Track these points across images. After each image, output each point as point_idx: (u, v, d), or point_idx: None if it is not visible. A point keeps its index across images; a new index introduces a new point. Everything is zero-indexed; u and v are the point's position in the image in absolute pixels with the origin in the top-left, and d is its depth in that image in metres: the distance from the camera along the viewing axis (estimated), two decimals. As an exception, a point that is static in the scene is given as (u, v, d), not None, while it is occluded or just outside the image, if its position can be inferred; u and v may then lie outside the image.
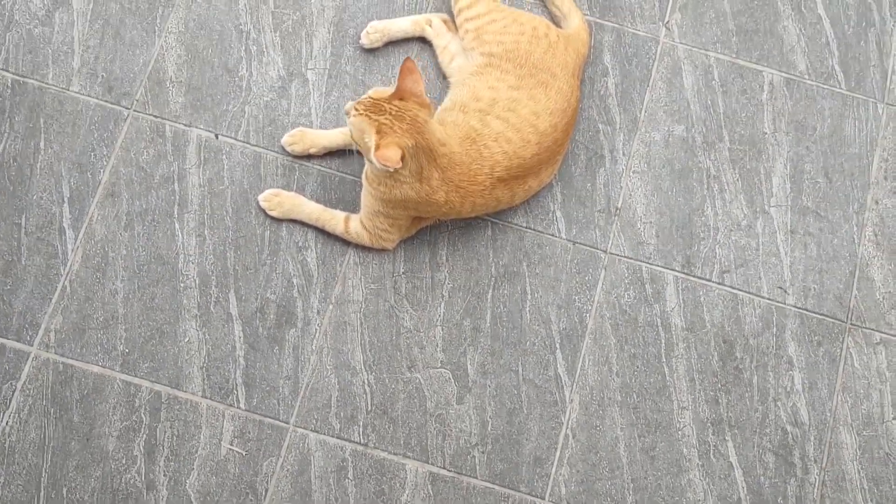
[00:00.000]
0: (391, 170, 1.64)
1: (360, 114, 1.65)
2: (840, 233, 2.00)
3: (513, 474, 1.81)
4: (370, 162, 1.67)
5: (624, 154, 2.02)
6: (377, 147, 1.62)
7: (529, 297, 1.91)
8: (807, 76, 2.10)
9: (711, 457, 1.85)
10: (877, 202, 2.03)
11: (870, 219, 2.02)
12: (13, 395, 1.78)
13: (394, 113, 1.63)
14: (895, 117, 2.09)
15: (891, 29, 2.15)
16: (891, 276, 1.98)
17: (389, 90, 1.68)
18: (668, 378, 1.89)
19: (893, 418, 1.90)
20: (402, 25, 2.02)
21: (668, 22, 2.12)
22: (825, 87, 2.10)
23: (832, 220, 2.01)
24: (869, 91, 2.10)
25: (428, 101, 1.69)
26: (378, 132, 1.63)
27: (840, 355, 1.92)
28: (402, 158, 1.64)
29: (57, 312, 1.83)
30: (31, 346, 1.81)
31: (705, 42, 2.11)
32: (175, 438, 1.78)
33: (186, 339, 1.84)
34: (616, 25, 2.10)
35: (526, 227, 1.96)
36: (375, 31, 2.00)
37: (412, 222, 1.88)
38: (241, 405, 1.81)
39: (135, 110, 1.96)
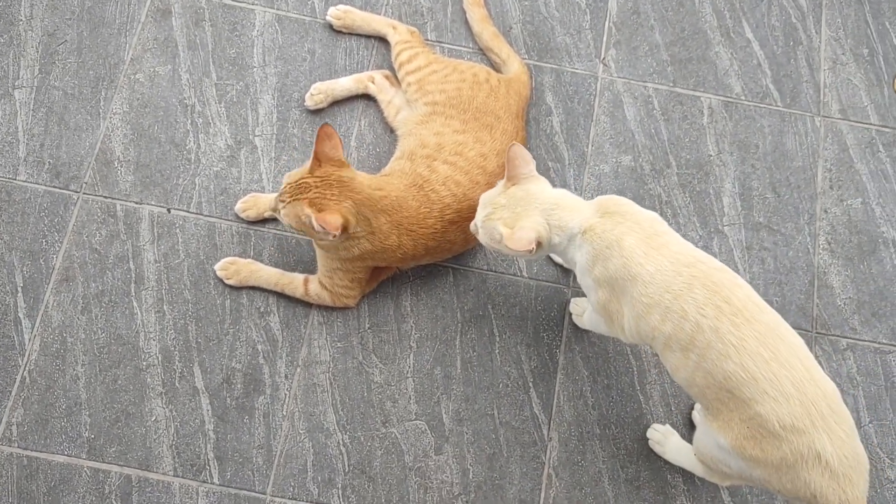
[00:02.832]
0: (337, 234, 1.63)
1: (288, 202, 1.66)
2: (794, 244, 2.04)
3: (499, 521, 1.78)
4: (319, 237, 1.66)
5: (576, 188, 2.04)
6: (319, 213, 1.61)
7: (498, 338, 1.91)
8: (743, 97, 2.16)
9: (696, 480, 1.83)
10: (826, 211, 2.07)
11: (821, 228, 2.06)
12: (-24, 495, 1.72)
13: (318, 185, 1.64)
14: (833, 129, 2.15)
15: (818, 45, 2.22)
16: (849, 282, 2.01)
17: (303, 169, 1.68)
18: (644, 405, 1.88)
19: (870, 422, 1.90)
20: (346, 84, 2.04)
21: (604, 58, 2.18)
22: (762, 105, 2.16)
23: (785, 232, 2.04)
24: (805, 106, 2.16)
25: (346, 162, 1.69)
26: (311, 205, 1.63)
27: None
28: (346, 222, 1.64)
29: (17, 405, 1.79)
30: (-7, 442, 1.76)
31: (642, 74, 2.17)
32: (149, 522, 1.73)
33: (153, 418, 1.80)
34: (554, 66, 2.15)
35: (487, 270, 1.96)
36: (319, 91, 2.03)
37: (371, 275, 1.88)
38: (215, 480, 1.77)
39: (84, 193, 1.95)
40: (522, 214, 1.58)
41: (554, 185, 2.02)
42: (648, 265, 1.48)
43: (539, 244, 1.58)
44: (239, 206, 1.94)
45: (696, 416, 1.81)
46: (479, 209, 1.66)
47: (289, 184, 1.67)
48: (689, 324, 1.44)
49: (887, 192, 2.10)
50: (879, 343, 1.96)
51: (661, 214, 2.02)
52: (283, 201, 1.67)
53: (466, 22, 2.16)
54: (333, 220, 1.62)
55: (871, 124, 2.16)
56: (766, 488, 1.49)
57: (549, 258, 1.95)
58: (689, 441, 1.76)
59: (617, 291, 1.53)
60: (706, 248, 2.01)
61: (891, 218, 2.07)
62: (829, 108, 2.17)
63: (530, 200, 1.59)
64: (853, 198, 2.09)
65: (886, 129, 2.16)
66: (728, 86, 2.17)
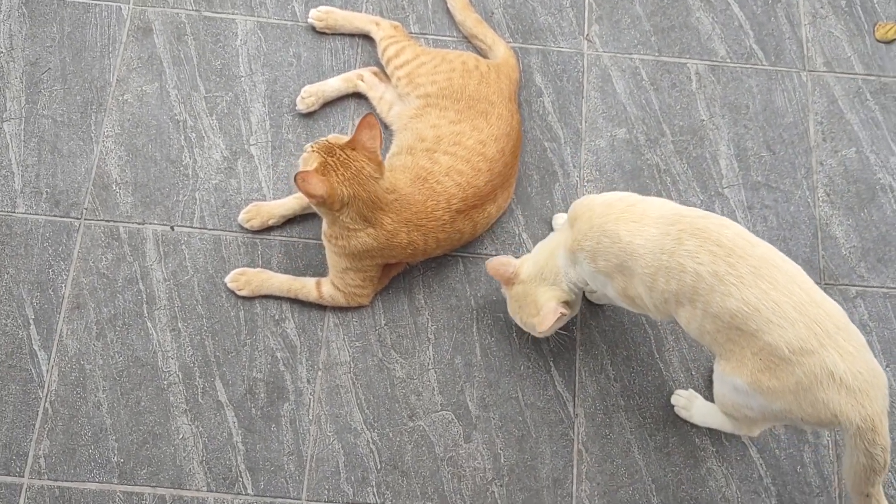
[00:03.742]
0: (312, 201, 1.64)
1: (313, 150, 1.67)
2: (794, 199, 2.06)
3: (535, 501, 1.79)
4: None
5: (574, 166, 2.06)
6: (304, 174, 1.61)
7: (513, 321, 1.91)
8: (729, 60, 2.18)
9: (724, 441, 1.85)
10: (821, 164, 2.10)
11: (819, 181, 2.08)
12: (12, 531, 1.72)
13: (342, 159, 1.65)
14: (819, 82, 2.17)
15: (796, 1, 2.24)
16: (852, 231, 2.04)
17: (345, 138, 1.70)
18: (664, 373, 1.89)
19: (887, 366, 1.93)
20: (335, 84, 2.04)
21: (588, 35, 2.19)
22: (748, 66, 2.18)
23: (784, 189, 2.07)
24: (790, 62, 2.18)
25: (380, 160, 1.70)
26: (320, 167, 1.64)
27: (823, 316, 1.95)
28: (331, 200, 1.64)
29: (43, 437, 1.78)
30: (23, 476, 1.75)
31: (627, 46, 2.18)
32: (188, 540, 1.73)
33: (181, 436, 1.79)
34: (540, 47, 2.16)
35: (497, 255, 1.97)
36: (310, 94, 2.02)
37: (383, 273, 1.88)
38: (249, 491, 1.77)
39: (85, 219, 1.94)
40: (533, 299, 1.70)
41: (552, 167, 2.04)
42: (637, 238, 1.53)
43: (566, 303, 1.69)
44: (242, 216, 1.93)
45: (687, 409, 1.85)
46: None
47: (327, 140, 1.69)
48: (688, 276, 1.48)
49: (879, 139, 2.12)
50: (888, 287, 1.99)
51: (660, 182, 2.04)
52: (312, 147, 1.68)
53: (448, 11, 2.16)
54: (317, 186, 1.62)
55: (856, 74, 2.18)
56: (792, 423, 1.52)
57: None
58: (712, 401, 1.78)
59: (626, 275, 1.56)
60: (708, 211, 2.02)
61: (886, 164, 2.10)
62: (814, 63, 2.19)
63: (528, 285, 1.71)
64: (847, 148, 2.11)
65: (872, 78, 2.18)
66: (712, 50, 2.19)
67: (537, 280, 1.70)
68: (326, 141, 1.69)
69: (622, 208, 1.57)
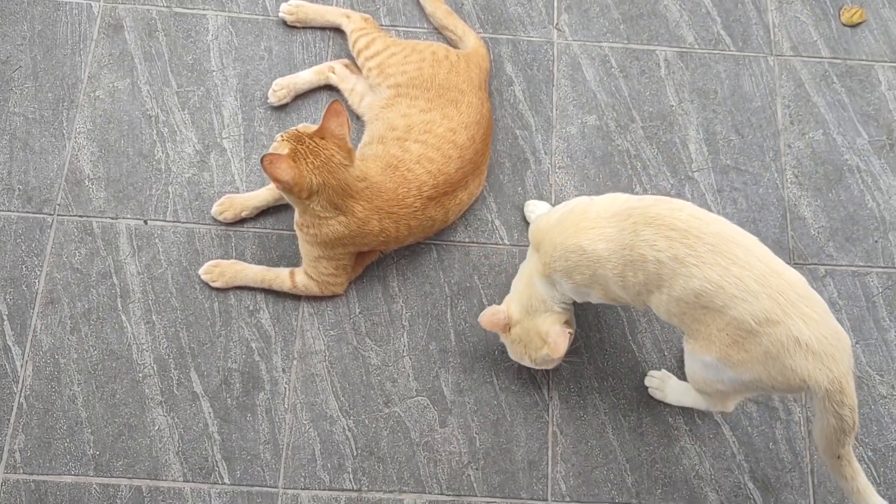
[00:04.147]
0: (281, 186, 1.65)
1: (283, 140, 1.68)
2: (763, 182, 2.08)
3: (511, 483, 1.80)
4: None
5: (546, 153, 2.07)
6: (272, 158, 1.62)
7: (487, 307, 1.93)
8: (697, 46, 2.21)
9: (697, 419, 1.87)
10: (789, 146, 2.12)
11: (787, 163, 2.11)
12: (-12, 526, 1.71)
13: (311, 147, 1.66)
14: (786, 66, 2.20)
15: (761, -13, 2.27)
16: (820, 211, 2.06)
17: (314, 127, 1.71)
18: (637, 354, 1.91)
19: (856, 343, 1.95)
20: (307, 77, 2.05)
21: (557, 24, 2.21)
22: (716, 52, 2.20)
23: (753, 171, 2.09)
24: (757, 47, 2.21)
25: (350, 147, 1.71)
26: (290, 155, 1.65)
27: (793, 296, 1.98)
28: (298, 187, 1.65)
29: (18, 431, 1.78)
30: (-2, 471, 1.75)
31: (596, 35, 2.20)
32: (165, 530, 1.73)
33: (156, 428, 1.80)
34: (510, 37, 2.18)
35: (469, 242, 1.99)
36: (281, 87, 2.04)
37: (356, 261, 1.89)
38: (226, 480, 1.77)
39: (58, 215, 1.94)
40: (535, 333, 1.70)
41: (524, 155, 2.05)
42: (598, 244, 1.55)
43: (566, 323, 1.70)
44: (215, 208, 1.94)
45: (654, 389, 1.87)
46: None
47: (297, 129, 1.70)
48: (650, 264, 1.50)
49: (846, 120, 2.15)
50: (856, 266, 2.01)
51: (630, 168, 2.06)
52: (282, 136, 1.69)
53: (418, 3, 2.18)
54: (284, 171, 1.63)
55: (822, 58, 2.21)
56: (763, 392, 1.55)
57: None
58: (685, 381, 1.80)
59: (601, 281, 1.59)
60: (679, 196, 2.04)
61: (852, 145, 2.13)
62: (780, 47, 2.21)
63: (524, 323, 1.70)
64: (814, 130, 2.14)
65: (838, 61, 2.21)
66: (680, 37, 2.21)
67: (530, 314, 1.70)
68: (296, 130, 1.70)
69: (576, 219, 1.60)
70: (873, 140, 2.13)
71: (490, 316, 1.70)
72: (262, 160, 1.61)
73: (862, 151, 2.12)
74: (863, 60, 2.21)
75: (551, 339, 1.67)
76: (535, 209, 1.96)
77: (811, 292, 1.46)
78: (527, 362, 1.75)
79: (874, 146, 2.13)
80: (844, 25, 2.25)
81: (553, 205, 1.98)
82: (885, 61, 2.21)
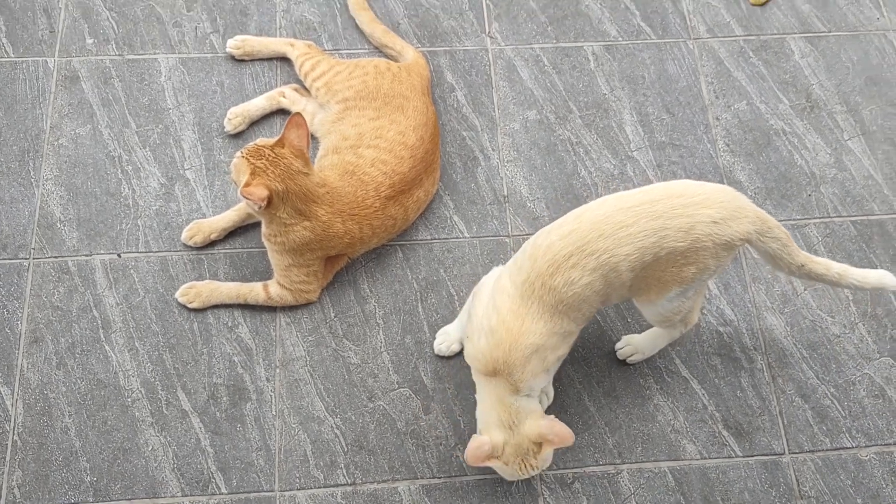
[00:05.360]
0: (257, 207, 1.76)
1: (242, 157, 1.78)
2: (698, 153, 2.22)
3: (498, 459, 1.87)
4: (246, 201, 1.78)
5: (493, 149, 2.20)
6: (246, 184, 1.74)
7: (456, 296, 2.03)
8: (620, 38, 2.36)
9: (666, 377, 1.97)
10: (717, 119, 2.27)
11: (718, 133, 2.25)
12: (-7, 563, 1.74)
13: (270, 159, 1.76)
14: (705, 47, 2.36)
15: (673, -20, 2.45)
16: (754, 174, 2.20)
17: (272, 140, 1.81)
18: (603, 324, 2.01)
19: (805, 290, 2.07)
20: (259, 104, 2.16)
21: (489, 32, 2.35)
22: (639, 42, 2.36)
23: (687, 145, 2.23)
24: (676, 34, 2.38)
25: (307, 157, 1.82)
26: (252, 173, 1.75)
27: (739, 253, 2.10)
28: (271, 199, 1.76)
29: (14, 468, 1.82)
30: (-3, 508, 1.78)
31: (527, 38, 2.35)
32: (169, 545, 1.77)
33: (150, 448, 1.85)
34: (447, 48, 2.32)
35: (432, 239, 2.09)
36: (236, 115, 2.14)
37: (326, 267, 1.98)
38: (223, 490, 1.82)
39: (34, 258, 2.01)
40: (527, 443, 1.62)
41: (473, 153, 2.17)
42: (540, 334, 1.59)
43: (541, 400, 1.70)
44: (185, 234, 2.02)
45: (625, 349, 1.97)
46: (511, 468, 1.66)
47: (256, 143, 1.80)
48: (586, 291, 1.58)
49: (766, 90, 2.31)
50: (795, 220, 2.15)
51: (574, 154, 2.19)
52: (241, 153, 1.79)
53: (357, 27, 2.31)
54: (259, 191, 1.74)
55: (737, 36, 2.38)
56: (715, 274, 1.68)
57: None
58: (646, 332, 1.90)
59: (570, 341, 1.67)
60: (621, 175, 2.18)
61: (775, 111, 2.28)
62: (697, 31, 2.38)
63: (511, 442, 1.62)
64: (738, 102, 2.30)
65: (752, 38, 2.38)
66: (604, 31, 2.37)
67: (513, 431, 1.62)
68: (255, 144, 1.80)
69: (507, 328, 1.58)
70: (794, 104, 2.29)
71: (475, 450, 1.60)
72: (240, 195, 1.73)
73: (785, 115, 2.28)
74: (775, 35, 2.39)
75: (549, 434, 1.60)
76: (446, 334, 1.95)
77: (681, 185, 1.61)
78: (532, 472, 1.65)
79: (795, 110, 2.29)
80: (753, 5, 2.43)
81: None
82: (795, 33, 2.39)
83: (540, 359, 1.61)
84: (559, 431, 1.60)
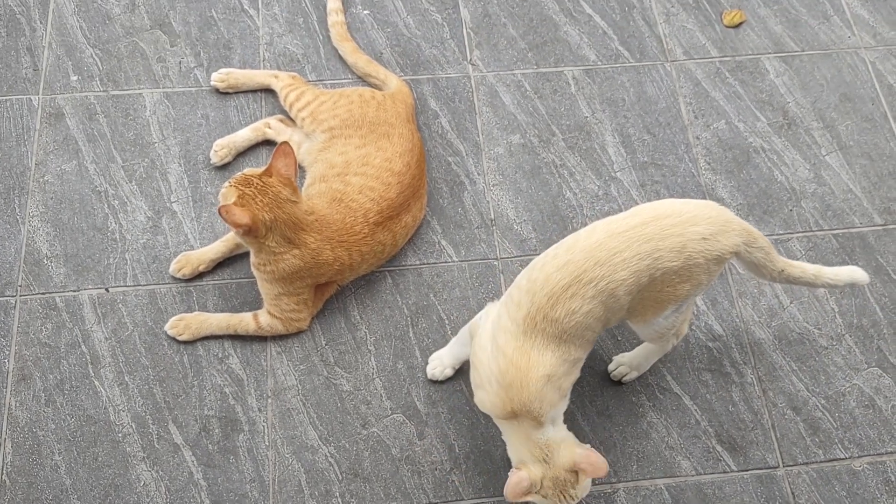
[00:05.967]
0: (240, 232, 1.76)
1: (231, 185, 1.79)
2: (680, 172, 2.26)
3: (495, 482, 1.87)
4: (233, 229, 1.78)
5: (479, 174, 2.22)
6: (228, 206, 1.74)
7: (447, 321, 2.03)
8: (600, 63, 2.41)
9: (658, 394, 1.97)
10: (697, 138, 2.31)
11: (699, 152, 2.29)
12: None
13: (259, 187, 1.77)
14: (682, 69, 2.41)
15: (649, 5, 2.50)
16: (735, 191, 2.24)
17: (260, 169, 1.82)
18: (594, 345, 2.02)
19: (791, 303, 2.10)
20: (245, 135, 2.18)
21: (471, 59, 2.39)
22: (617, 65, 2.40)
23: (669, 164, 2.27)
24: (653, 57, 2.42)
25: (295, 185, 1.83)
26: (240, 197, 1.76)
27: (725, 269, 2.13)
28: (256, 227, 1.76)
29: (3, 509, 1.79)
30: (-13, 550, 1.75)
31: (508, 64, 2.39)
32: (163, 582, 1.74)
33: (142, 483, 1.83)
34: (430, 76, 2.35)
35: (420, 264, 2.10)
36: (221, 147, 2.15)
37: (316, 296, 1.98)
38: (218, 523, 1.80)
39: (21, 295, 2.00)
40: (566, 472, 1.59)
41: (459, 178, 2.19)
42: (550, 364, 1.58)
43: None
44: (173, 266, 2.02)
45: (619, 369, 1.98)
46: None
47: (244, 173, 1.80)
48: (588, 318, 1.59)
49: (744, 109, 2.35)
50: (777, 234, 2.18)
51: (558, 176, 2.22)
52: (230, 182, 1.79)
53: (340, 57, 2.34)
54: (241, 216, 1.74)
55: (713, 58, 2.43)
56: (706, 287, 1.70)
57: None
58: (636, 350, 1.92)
59: (580, 362, 1.67)
60: (606, 195, 2.20)
61: (754, 129, 2.33)
62: (674, 54, 2.43)
63: (548, 474, 1.59)
64: (717, 121, 2.34)
65: (727, 58, 2.43)
66: (584, 56, 2.41)
67: (549, 465, 1.59)
68: (243, 174, 1.81)
69: (516, 365, 1.56)
70: (771, 122, 2.34)
71: (515, 487, 1.55)
72: (218, 212, 1.72)
73: (763, 133, 2.32)
74: (749, 55, 2.44)
75: (583, 464, 1.57)
76: (438, 359, 1.95)
77: (668, 205, 1.63)
78: (573, 502, 1.61)
79: (773, 127, 2.33)
80: (727, 27, 2.48)
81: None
82: (770, 53, 2.44)
83: (554, 388, 1.60)
84: (594, 461, 1.56)
